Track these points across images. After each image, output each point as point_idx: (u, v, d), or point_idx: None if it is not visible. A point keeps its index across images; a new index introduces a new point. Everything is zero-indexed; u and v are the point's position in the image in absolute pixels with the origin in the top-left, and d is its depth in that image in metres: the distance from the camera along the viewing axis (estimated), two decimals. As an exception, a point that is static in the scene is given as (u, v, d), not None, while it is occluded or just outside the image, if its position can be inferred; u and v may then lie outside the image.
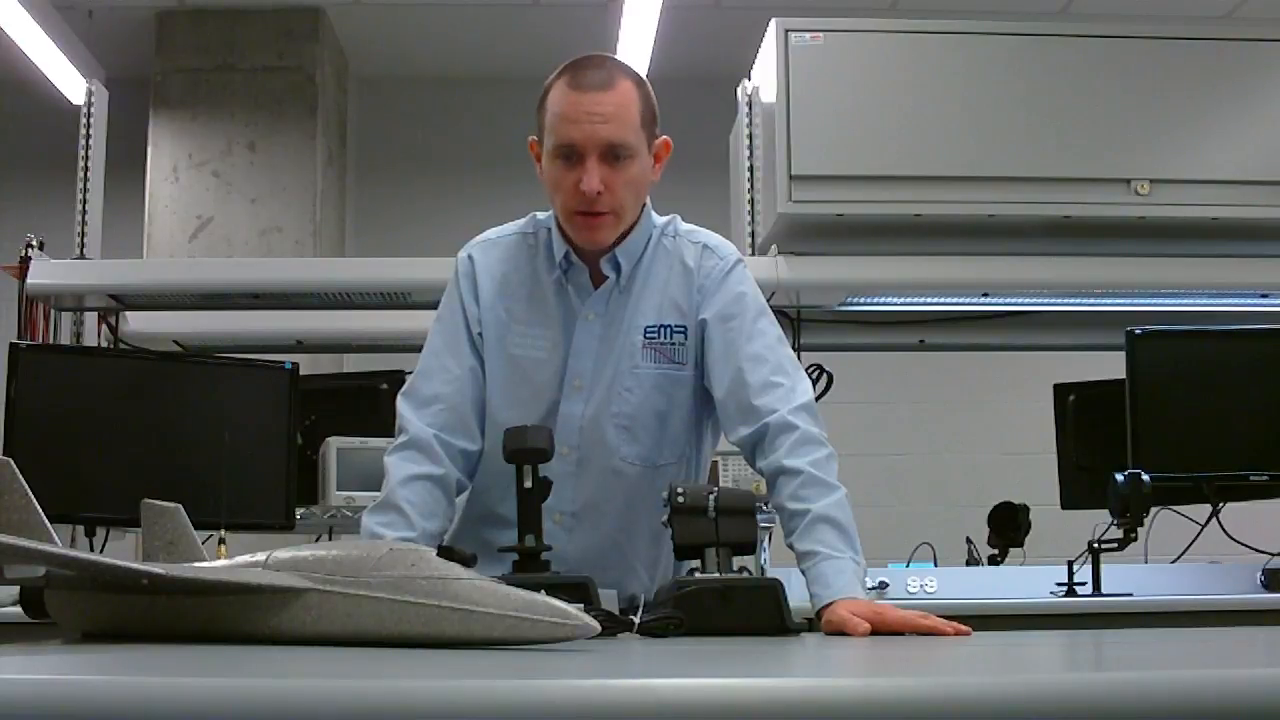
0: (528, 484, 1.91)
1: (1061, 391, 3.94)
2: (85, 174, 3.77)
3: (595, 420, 2.14)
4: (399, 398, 2.20)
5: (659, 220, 2.19)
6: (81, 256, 3.73)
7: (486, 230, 2.26)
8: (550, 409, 2.14)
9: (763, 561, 3.34)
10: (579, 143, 2.02)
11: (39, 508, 1.38)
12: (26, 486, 1.39)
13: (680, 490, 1.88)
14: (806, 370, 2.82)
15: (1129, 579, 3.28)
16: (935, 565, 3.65)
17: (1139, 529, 3.18)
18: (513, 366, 2.15)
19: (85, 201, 3.76)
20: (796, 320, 3.66)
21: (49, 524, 1.38)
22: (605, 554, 2.16)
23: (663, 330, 2.15)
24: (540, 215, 2.22)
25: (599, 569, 2.10)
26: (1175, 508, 3.56)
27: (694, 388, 2.16)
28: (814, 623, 1.92)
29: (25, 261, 3.57)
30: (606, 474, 2.15)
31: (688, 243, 2.19)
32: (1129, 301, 3.72)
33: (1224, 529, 3.48)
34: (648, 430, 2.15)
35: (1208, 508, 3.53)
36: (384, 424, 3.82)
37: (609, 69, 2.07)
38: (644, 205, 2.15)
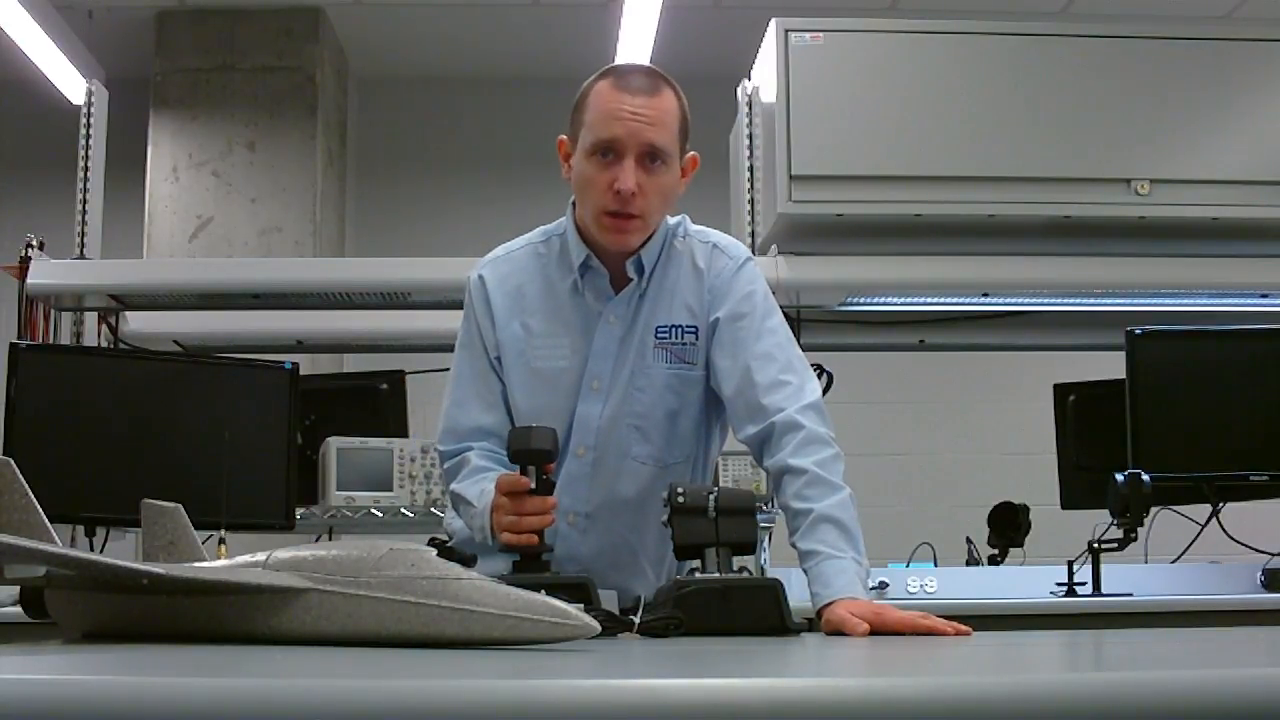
0: (531, 484, 1.91)
1: (1061, 391, 3.94)
2: (85, 174, 3.77)
3: (612, 421, 2.15)
4: (440, 438, 2.21)
5: (670, 221, 2.20)
6: (81, 256, 3.73)
7: (494, 247, 2.27)
8: (573, 412, 2.15)
9: (763, 561, 3.35)
10: (621, 139, 2.03)
11: (39, 508, 1.38)
12: (26, 486, 1.39)
13: (680, 490, 1.88)
14: (806, 370, 2.82)
15: (1129, 579, 3.28)
16: (935, 565, 3.65)
17: (1139, 529, 3.18)
18: (536, 378, 2.16)
19: (85, 201, 3.76)
20: (797, 320, 3.66)
21: (49, 524, 1.38)
22: (617, 553, 2.18)
23: (674, 330, 2.15)
24: (550, 226, 2.23)
25: (610, 568, 2.12)
26: (1175, 508, 3.56)
27: (704, 388, 2.17)
28: (814, 623, 1.92)
29: (25, 261, 3.57)
30: (620, 474, 2.16)
31: (698, 243, 2.20)
32: (1129, 301, 3.71)
33: (1224, 529, 3.48)
34: (659, 430, 2.16)
35: (1208, 508, 3.53)
36: (384, 424, 3.83)
37: (654, 76, 2.10)
38: None
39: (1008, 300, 3.77)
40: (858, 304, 3.75)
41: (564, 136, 2.12)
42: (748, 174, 3.67)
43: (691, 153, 2.14)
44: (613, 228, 2.08)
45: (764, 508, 3.20)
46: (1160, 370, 3.49)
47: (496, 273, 2.21)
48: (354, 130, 6.86)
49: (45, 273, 3.59)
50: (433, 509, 3.54)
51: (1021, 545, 3.81)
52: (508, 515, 1.92)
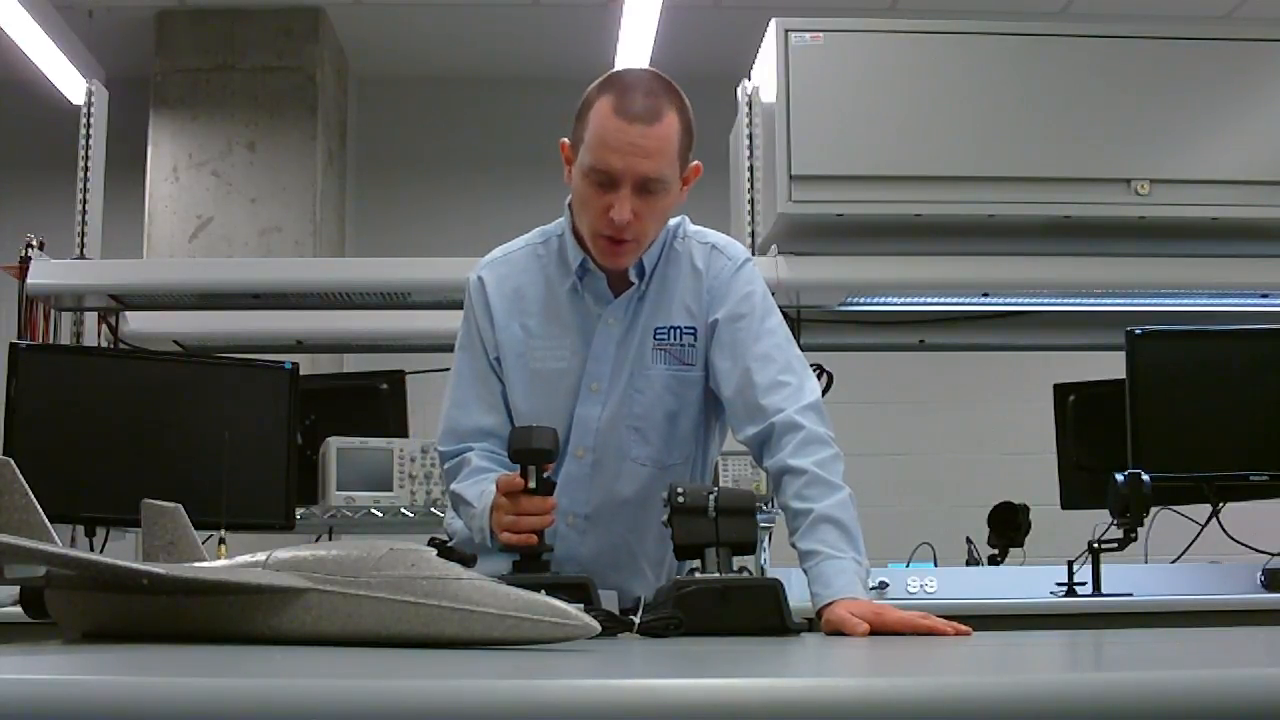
0: (531, 484, 1.91)
1: (1061, 391, 3.94)
2: (85, 174, 3.76)
3: (611, 422, 2.15)
4: (440, 438, 2.20)
5: (669, 223, 2.19)
6: (81, 256, 3.73)
7: (493, 249, 2.26)
8: (572, 413, 2.15)
9: (763, 561, 3.35)
10: (617, 171, 2.00)
11: (39, 508, 1.38)
12: (26, 486, 1.39)
13: (680, 490, 1.88)
14: (806, 370, 2.81)
15: (1129, 579, 3.28)
16: (935, 565, 3.65)
17: (1139, 529, 3.18)
18: (536, 380, 2.16)
19: (85, 201, 3.76)
20: (797, 320, 3.66)
21: (49, 524, 1.38)
22: (616, 554, 2.18)
23: (673, 332, 2.15)
24: (548, 227, 2.22)
25: (609, 569, 2.12)
26: (1175, 508, 3.56)
27: (703, 389, 2.17)
28: (814, 623, 1.92)
29: (25, 261, 3.57)
30: (619, 475, 2.17)
31: (696, 244, 2.19)
32: (1129, 301, 3.71)
33: (1224, 529, 3.48)
34: (658, 431, 2.16)
35: (1208, 508, 3.53)
36: (384, 424, 3.83)
37: (657, 97, 2.02)
38: None
39: (1008, 300, 3.77)
40: (858, 304, 3.75)
41: (566, 141, 2.10)
42: (748, 174, 3.67)
43: (694, 163, 2.10)
44: (607, 250, 2.08)
45: (764, 508, 3.20)
46: (1160, 370, 3.49)
47: (495, 274, 2.21)
48: (354, 130, 6.86)
49: (45, 273, 3.59)
50: (433, 509, 3.54)
51: (1021, 545, 3.81)
52: (507, 515, 1.92)
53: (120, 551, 3.18)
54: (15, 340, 3.27)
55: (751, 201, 3.65)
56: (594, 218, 2.05)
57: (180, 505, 1.51)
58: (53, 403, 3.14)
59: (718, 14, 6.11)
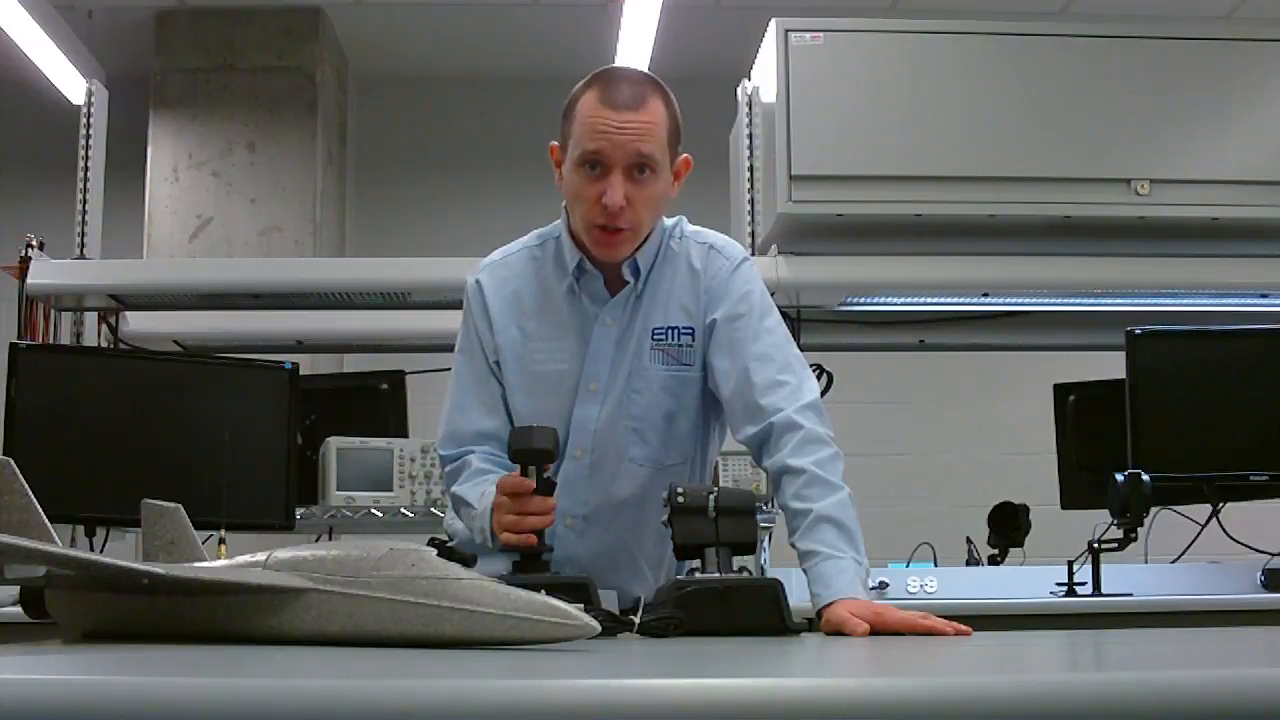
0: (533, 485, 1.91)
1: (1061, 391, 3.94)
2: (85, 174, 3.77)
3: (610, 423, 2.15)
4: (441, 441, 2.20)
5: (667, 223, 2.19)
6: (81, 256, 3.73)
7: (493, 250, 2.27)
8: (571, 414, 2.15)
9: (763, 561, 3.35)
10: (607, 154, 2.01)
11: (39, 508, 1.38)
12: (26, 486, 1.39)
13: (680, 490, 1.87)
14: (806, 370, 2.81)
15: (1129, 579, 3.28)
16: (935, 565, 3.65)
17: (1139, 529, 3.18)
18: (535, 381, 2.16)
19: (85, 201, 3.76)
20: (797, 320, 3.66)
21: (49, 524, 1.38)
22: (615, 555, 2.18)
23: (671, 332, 2.15)
24: (545, 229, 2.22)
25: (608, 570, 2.12)
26: (1175, 508, 3.57)
27: (701, 389, 2.17)
28: (814, 623, 1.92)
29: (25, 261, 3.57)
30: (617, 476, 2.16)
31: (694, 244, 2.19)
32: (1129, 301, 3.71)
33: (1224, 529, 3.48)
34: (656, 431, 2.16)
35: (1208, 508, 3.53)
36: (384, 424, 3.83)
37: (641, 86, 2.06)
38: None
39: (1008, 300, 3.77)
40: (858, 304, 3.75)
41: (555, 144, 2.12)
42: (748, 174, 3.67)
43: (684, 155, 2.12)
44: (602, 240, 2.08)
45: (764, 508, 3.20)
46: (1160, 370, 3.49)
47: (494, 277, 2.21)
48: (354, 130, 6.86)
49: (45, 273, 3.59)
50: (433, 509, 3.54)
51: (1021, 545, 3.81)
52: (508, 515, 1.92)
53: (120, 551, 3.19)
54: (15, 340, 3.27)
55: (751, 201, 3.65)
56: (587, 208, 2.05)
57: (180, 505, 1.51)
58: (53, 403, 3.14)
59: (718, 14, 6.11)
